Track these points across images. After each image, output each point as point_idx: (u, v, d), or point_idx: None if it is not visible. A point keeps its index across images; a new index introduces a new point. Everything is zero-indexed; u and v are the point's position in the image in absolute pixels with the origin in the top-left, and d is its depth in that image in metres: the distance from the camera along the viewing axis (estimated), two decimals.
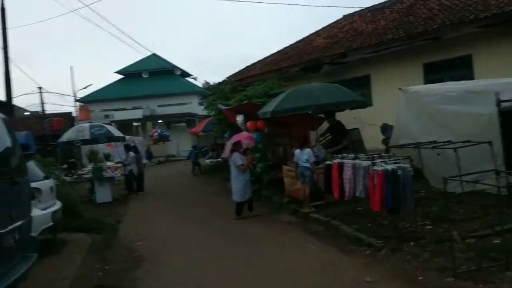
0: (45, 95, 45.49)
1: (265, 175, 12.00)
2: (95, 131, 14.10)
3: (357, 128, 11.07)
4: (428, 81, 12.71)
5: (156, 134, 35.19)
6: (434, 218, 6.86)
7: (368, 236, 6.54)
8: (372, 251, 6.15)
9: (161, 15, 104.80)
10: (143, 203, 13.73)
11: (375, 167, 6.18)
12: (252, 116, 12.44)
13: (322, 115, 11.12)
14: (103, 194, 13.93)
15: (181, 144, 38.17)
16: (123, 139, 15.42)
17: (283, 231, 8.27)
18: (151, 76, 46.57)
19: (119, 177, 15.23)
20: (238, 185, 9.48)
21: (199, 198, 13.76)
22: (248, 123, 11.69)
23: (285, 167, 10.36)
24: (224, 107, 14.30)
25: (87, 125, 14.59)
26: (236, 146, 9.85)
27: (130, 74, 47.59)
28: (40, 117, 31.05)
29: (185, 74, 49.71)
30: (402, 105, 7.58)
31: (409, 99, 7.37)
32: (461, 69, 12.09)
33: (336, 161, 7.44)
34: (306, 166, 8.75)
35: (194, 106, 42.56)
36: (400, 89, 7.64)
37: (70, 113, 34.40)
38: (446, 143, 7.11)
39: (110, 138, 14.55)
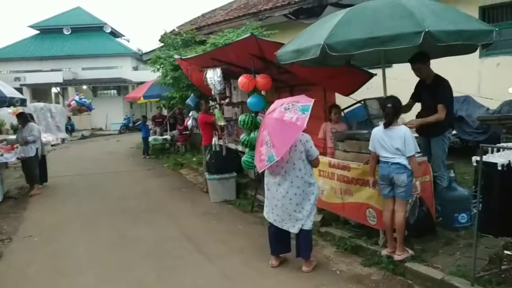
0: None
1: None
2: None
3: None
4: None
5: (73, 102, 28.05)
6: None
7: None
8: None
9: None
10: (54, 207, 8.41)
11: None
12: (236, 71, 7.77)
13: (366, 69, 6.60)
14: None
15: (111, 115, 31.89)
16: (22, 102, 9.71)
17: None
18: (75, 33, 38.70)
19: (15, 162, 9.77)
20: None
21: (150, 200, 8.62)
22: (241, 78, 6.69)
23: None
24: (183, 57, 9.22)
25: None
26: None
27: (48, 29, 39.17)
28: None
29: (116, 34, 42.49)
30: None
31: None
32: None
33: None
34: (400, 164, 4.21)
35: (127, 71, 35.90)
36: None
37: None
38: None
39: None
